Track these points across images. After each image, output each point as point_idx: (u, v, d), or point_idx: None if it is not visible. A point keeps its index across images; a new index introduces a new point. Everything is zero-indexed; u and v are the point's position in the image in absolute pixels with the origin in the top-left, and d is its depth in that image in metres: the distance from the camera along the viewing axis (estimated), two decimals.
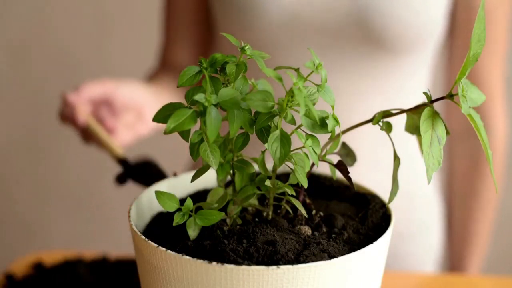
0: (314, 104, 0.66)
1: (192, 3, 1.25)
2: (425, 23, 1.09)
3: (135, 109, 1.11)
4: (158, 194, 0.67)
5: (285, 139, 0.64)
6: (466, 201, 1.27)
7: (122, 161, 1.05)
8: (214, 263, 0.61)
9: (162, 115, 0.65)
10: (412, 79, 1.16)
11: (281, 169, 0.79)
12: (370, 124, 0.71)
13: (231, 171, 0.69)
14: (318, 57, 1.09)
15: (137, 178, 1.02)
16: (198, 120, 0.63)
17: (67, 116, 1.09)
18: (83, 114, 1.07)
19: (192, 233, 0.67)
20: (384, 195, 0.75)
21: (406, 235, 1.21)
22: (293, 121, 0.66)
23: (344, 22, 1.08)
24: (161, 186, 0.77)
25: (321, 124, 0.66)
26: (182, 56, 1.28)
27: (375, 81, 1.13)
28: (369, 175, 1.13)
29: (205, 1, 1.24)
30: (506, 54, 1.21)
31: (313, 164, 0.71)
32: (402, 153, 0.84)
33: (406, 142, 1.04)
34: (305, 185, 0.66)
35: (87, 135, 1.09)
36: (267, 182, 0.68)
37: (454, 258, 1.30)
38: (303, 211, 0.69)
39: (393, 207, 0.73)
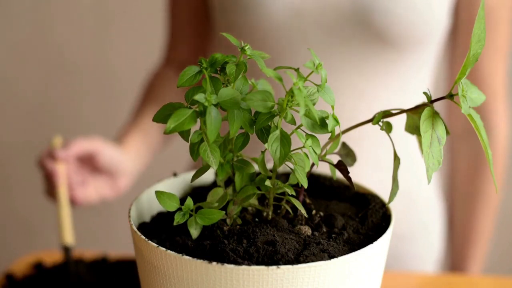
0: (314, 104, 0.66)
1: (192, 2, 1.25)
2: (428, 21, 1.09)
3: (111, 173, 1.16)
4: (158, 194, 0.67)
5: (285, 139, 0.64)
6: (467, 201, 1.26)
7: (65, 248, 1.06)
8: (214, 263, 0.61)
9: (162, 115, 0.65)
10: (415, 78, 1.16)
11: (281, 169, 0.79)
12: (370, 124, 0.71)
13: (231, 171, 0.69)
14: (321, 56, 1.10)
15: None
16: (198, 120, 0.63)
17: (46, 167, 1.12)
18: (60, 174, 1.10)
19: (194, 231, 0.67)
20: (385, 195, 0.75)
21: (406, 235, 1.21)
22: (293, 121, 0.66)
23: (347, 21, 1.08)
24: (160, 185, 0.77)
25: (321, 124, 0.66)
26: (185, 55, 1.30)
27: (378, 80, 1.13)
28: (369, 175, 1.13)
29: (205, 1, 1.24)
30: (508, 53, 1.21)
31: (313, 164, 0.71)
32: (403, 153, 0.84)
33: (407, 142, 1.04)
34: (305, 185, 0.66)
35: (53, 193, 1.12)
36: (267, 182, 0.68)
37: (455, 258, 1.30)
38: (303, 211, 0.69)
39: (394, 207, 0.73)
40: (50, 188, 1.12)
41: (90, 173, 1.15)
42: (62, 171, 1.09)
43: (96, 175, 1.16)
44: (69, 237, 1.06)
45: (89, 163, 1.15)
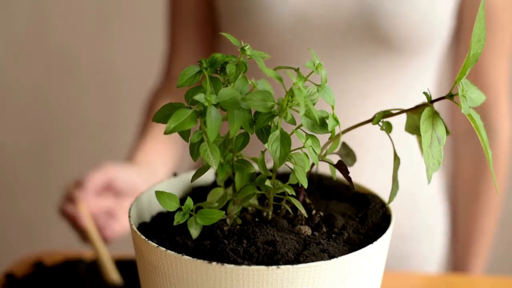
0: (314, 104, 0.66)
1: (195, 5, 1.24)
2: (432, 23, 1.10)
3: (135, 193, 1.12)
4: (159, 194, 0.67)
5: (285, 139, 0.64)
6: (470, 201, 1.26)
7: (114, 287, 1.04)
8: (214, 263, 0.61)
9: (162, 115, 0.65)
10: (420, 79, 1.16)
11: (281, 169, 0.79)
12: (371, 124, 0.71)
13: (231, 171, 0.69)
14: (326, 59, 1.10)
15: None
16: (198, 120, 0.63)
17: (68, 214, 1.07)
18: (85, 216, 1.05)
19: (194, 231, 0.67)
20: (385, 195, 0.74)
21: (409, 236, 1.21)
22: (293, 121, 0.66)
23: (352, 23, 1.09)
24: (160, 186, 0.77)
25: (321, 124, 0.66)
26: (187, 62, 1.26)
27: (383, 82, 1.13)
28: (370, 175, 1.13)
29: (210, 4, 1.23)
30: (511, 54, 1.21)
31: (313, 164, 0.71)
32: (406, 154, 0.84)
33: (408, 142, 1.04)
34: (305, 185, 0.66)
35: (85, 236, 1.08)
36: (267, 182, 0.68)
37: (457, 258, 1.30)
38: (303, 211, 0.69)
39: (397, 207, 0.73)
40: (80, 233, 1.07)
41: (114, 201, 1.11)
42: (86, 212, 1.05)
43: (120, 201, 1.11)
44: (114, 275, 1.04)
45: (109, 191, 1.10)
